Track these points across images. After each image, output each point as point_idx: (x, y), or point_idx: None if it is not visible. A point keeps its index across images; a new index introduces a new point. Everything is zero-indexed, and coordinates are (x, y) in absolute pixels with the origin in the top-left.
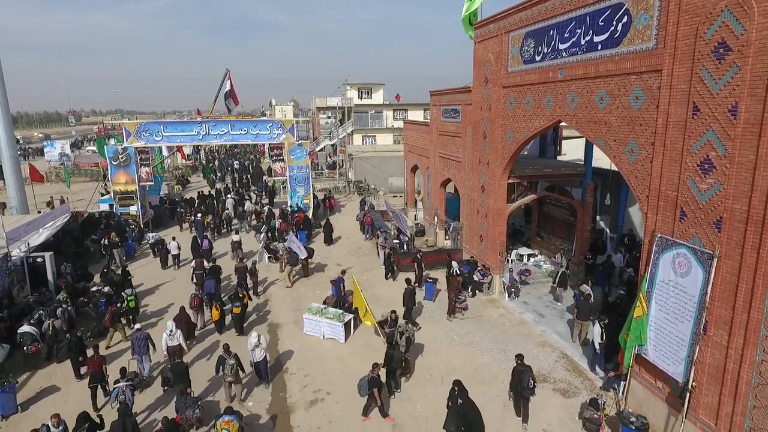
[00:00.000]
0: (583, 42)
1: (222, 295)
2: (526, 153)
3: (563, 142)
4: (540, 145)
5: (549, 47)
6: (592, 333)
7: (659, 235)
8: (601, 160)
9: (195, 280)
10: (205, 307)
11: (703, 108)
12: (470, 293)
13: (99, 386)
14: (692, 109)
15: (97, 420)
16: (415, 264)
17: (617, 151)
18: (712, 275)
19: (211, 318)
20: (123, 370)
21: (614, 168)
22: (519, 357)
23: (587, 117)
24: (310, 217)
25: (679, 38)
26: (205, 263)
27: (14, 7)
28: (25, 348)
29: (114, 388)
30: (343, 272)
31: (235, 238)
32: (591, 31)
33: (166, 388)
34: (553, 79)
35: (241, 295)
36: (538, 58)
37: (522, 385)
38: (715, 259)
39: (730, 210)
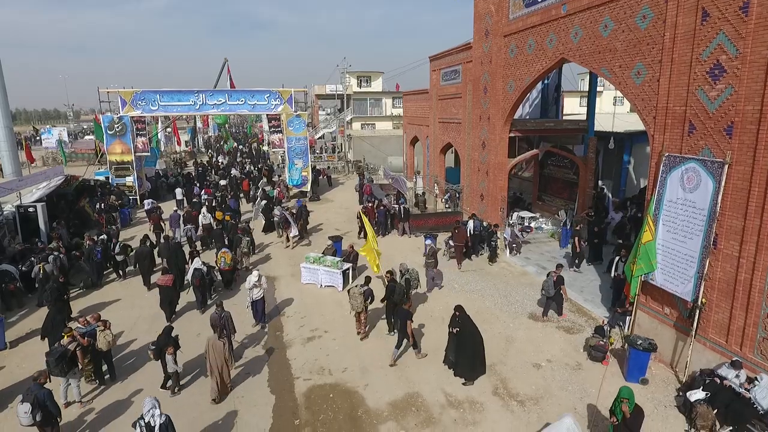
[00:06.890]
0: None
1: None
2: (528, 117)
3: (563, 116)
4: (542, 106)
5: None
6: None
7: (666, 154)
8: (603, 125)
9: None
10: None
11: (713, 11)
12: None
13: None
14: (701, 15)
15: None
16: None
17: (623, 76)
18: (723, 184)
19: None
20: (189, 219)
21: (616, 129)
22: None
23: (591, 48)
24: (308, 190)
25: None
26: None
27: (12, 6)
28: (2, 285)
29: (183, 229)
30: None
31: (222, 182)
32: None
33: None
34: (555, 16)
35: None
36: None
37: None
38: (726, 166)
39: (742, 112)
